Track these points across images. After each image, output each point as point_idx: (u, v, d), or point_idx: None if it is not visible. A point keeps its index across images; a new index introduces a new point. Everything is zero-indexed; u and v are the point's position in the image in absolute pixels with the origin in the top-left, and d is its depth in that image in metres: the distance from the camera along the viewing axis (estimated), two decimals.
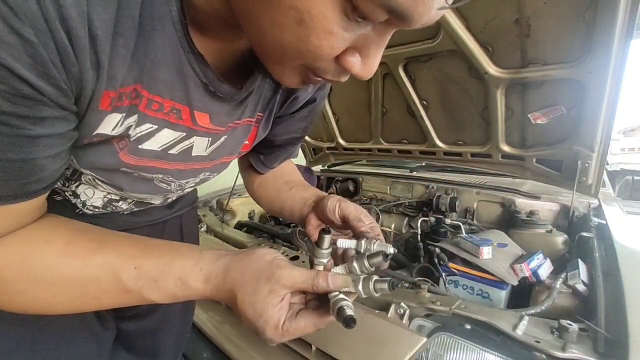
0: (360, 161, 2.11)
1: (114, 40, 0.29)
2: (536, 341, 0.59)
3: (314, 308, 0.41)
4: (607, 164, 1.43)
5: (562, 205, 1.29)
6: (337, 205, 0.53)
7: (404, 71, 1.40)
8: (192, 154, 0.46)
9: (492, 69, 1.16)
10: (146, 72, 0.33)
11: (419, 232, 1.37)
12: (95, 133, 0.34)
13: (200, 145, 0.46)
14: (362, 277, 0.40)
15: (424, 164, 1.94)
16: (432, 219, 1.42)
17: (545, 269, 0.96)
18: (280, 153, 0.66)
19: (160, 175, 0.48)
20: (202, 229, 1.32)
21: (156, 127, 0.39)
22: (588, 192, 1.19)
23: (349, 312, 0.36)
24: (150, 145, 0.40)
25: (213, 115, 0.43)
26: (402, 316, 0.69)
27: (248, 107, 0.49)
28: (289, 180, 0.69)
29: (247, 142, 0.55)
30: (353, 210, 0.52)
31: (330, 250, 0.43)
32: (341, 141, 1.90)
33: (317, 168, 2.16)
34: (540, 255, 1.01)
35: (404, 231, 1.54)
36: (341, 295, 0.39)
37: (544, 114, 1.17)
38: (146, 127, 0.38)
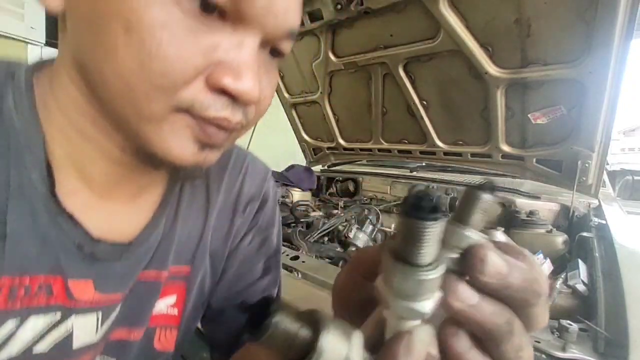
0: (360, 161, 2.11)
1: None
2: (536, 341, 0.59)
3: None
4: (607, 164, 1.43)
5: (562, 205, 1.29)
6: None
7: (404, 71, 1.39)
8: (74, 347, 0.32)
9: (492, 69, 1.16)
10: (9, 251, 0.27)
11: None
12: None
13: (85, 329, 0.32)
14: None
15: (424, 164, 1.94)
16: None
17: (545, 269, 0.96)
18: (233, 323, 0.46)
19: None
20: None
21: (18, 319, 0.28)
22: (588, 192, 1.19)
23: None
24: (6, 352, 0.28)
25: (99, 281, 0.32)
26: None
27: (153, 258, 0.37)
28: None
29: (172, 309, 0.40)
30: None
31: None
32: (341, 141, 1.90)
33: (317, 168, 2.16)
34: (540, 255, 1.01)
35: None
36: None
37: (544, 114, 1.17)
38: (6, 329, 0.27)
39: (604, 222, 1.08)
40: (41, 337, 0.30)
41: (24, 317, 0.28)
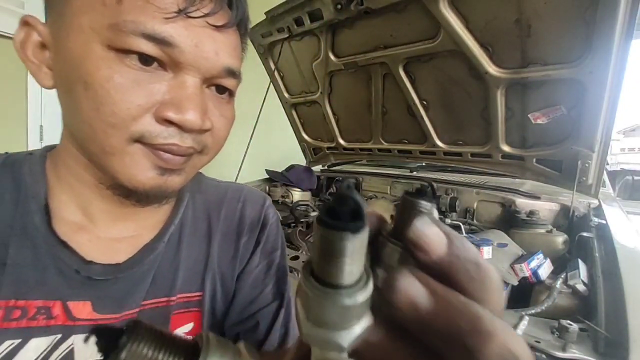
0: (360, 161, 2.11)
1: None
2: (536, 341, 0.59)
3: None
4: (607, 164, 1.43)
5: (562, 205, 1.29)
6: None
7: (404, 71, 1.40)
8: None
9: (492, 69, 1.16)
10: (6, 279, 0.33)
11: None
12: None
13: (84, 346, 0.36)
14: None
15: (424, 164, 1.94)
16: None
17: (545, 269, 0.96)
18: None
19: None
20: None
21: (19, 340, 0.33)
22: (588, 192, 1.19)
23: None
24: None
25: (97, 301, 0.37)
26: None
27: (157, 283, 0.41)
28: None
29: (191, 336, 0.42)
30: None
31: None
32: (341, 141, 1.90)
33: (317, 168, 2.16)
34: (540, 255, 1.01)
35: None
36: None
37: (544, 114, 1.17)
38: (5, 346, 0.32)
39: (604, 222, 1.08)
40: (44, 357, 0.34)
41: (25, 338, 0.33)
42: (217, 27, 0.33)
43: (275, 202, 1.86)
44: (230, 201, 0.50)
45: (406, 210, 0.14)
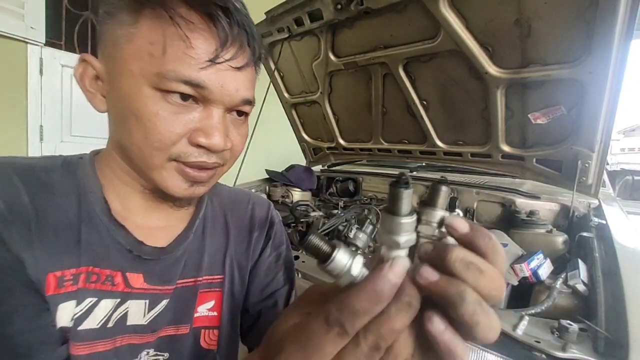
0: (360, 161, 2.11)
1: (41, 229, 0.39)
2: (536, 341, 0.59)
3: None
4: (607, 164, 1.43)
5: (562, 205, 1.29)
6: None
7: (404, 71, 1.40)
8: (128, 323, 0.44)
9: (492, 69, 1.16)
10: (83, 252, 0.42)
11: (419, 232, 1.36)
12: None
13: (136, 311, 0.45)
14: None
15: (424, 164, 1.94)
16: None
17: (545, 269, 0.96)
18: (260, 326, 0.55)
19: None
20: None
21: (96, 299, 0.42)
22: (588, 192, 1.19)
23: None
24: (89, 323, 0.41)
25: (147, 275, 0.46)
26: None
27: (188, 266, 0.50)
28: None
29: (212, 312, 0.52)
30: None
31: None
32: (341, 141, 1.90)
33: (317, 168, 2.16)
34: (540, 255, 1.01)
35: None
36: None
37: (544, 114, 1.17)
38: (86, 303, 0.41)
39: (604, 222, 1.08)
40: (109, 316, 0.43)
41: (99, 298, 0.42)
42: (238, 69, 0.41)
43: (275, 202, 1.85)
44: (241, 203, 0.61)
45: (434, 191, 0.26)
